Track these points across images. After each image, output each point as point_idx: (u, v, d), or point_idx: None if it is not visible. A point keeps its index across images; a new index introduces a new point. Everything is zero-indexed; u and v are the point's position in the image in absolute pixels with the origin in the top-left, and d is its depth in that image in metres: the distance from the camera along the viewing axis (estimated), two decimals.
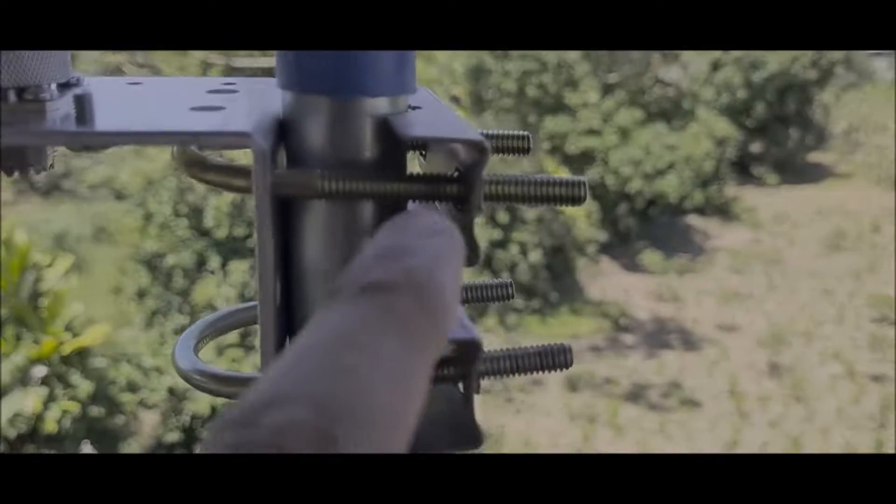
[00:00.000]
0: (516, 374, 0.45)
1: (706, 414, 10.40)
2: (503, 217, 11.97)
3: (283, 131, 0.43)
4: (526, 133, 0.50)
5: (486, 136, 0.49)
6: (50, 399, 8.12)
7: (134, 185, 10.34)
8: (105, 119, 0.40)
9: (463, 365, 0.43)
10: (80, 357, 8.56)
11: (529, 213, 12.10)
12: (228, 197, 9.72)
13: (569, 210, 12.53)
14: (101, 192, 15.37)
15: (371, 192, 0.41)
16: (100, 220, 14.28)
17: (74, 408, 8.20)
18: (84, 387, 8.34)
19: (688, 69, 15.67)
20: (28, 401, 7.81)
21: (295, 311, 0.45)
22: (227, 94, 0.47)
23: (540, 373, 0.45)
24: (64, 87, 0.43)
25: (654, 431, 9.80)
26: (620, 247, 13.96)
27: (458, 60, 15.99)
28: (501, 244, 11.79)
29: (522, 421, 10.23)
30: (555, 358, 0.45)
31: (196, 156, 0.45)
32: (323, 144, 0.42)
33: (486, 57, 14.36)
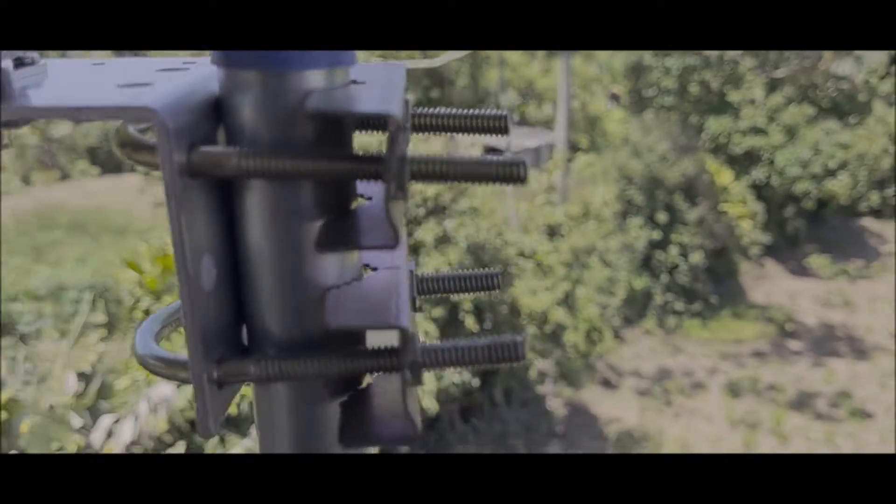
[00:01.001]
0: (463, 367, 0.44)
1: (877, 426, 9.88)
2: (663, 218, 11.75)
3: (220, 110, 0.42)
4: (503, 113, 0.48)
5: (460, 115, 0.48)
6: None
7: None
8: (34, 95, 0.40)
9: (398, 354, 0.44)
10: None
11: (690, 213, 11.82)
12: None
13: (732, 211, 12.15)
14: None
15: (294, 170, 0.41)
16: None
17: (251, 392, 8.68)
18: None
19: (863, 62, 14.84)
20: None
21: (244, 295, 0.45)
22: (175, 71, 0.46)
23: (490, 366, 0.44)
24: (20, 64, 0.42)
25: (820, 441, 9.41)
26: (787, 250, 13.42)
27: (617, 58, 15.77)
28: (661, 245, 11.58)
29: (681, 425, 10.03)
30: (505, 351, 0.43)
31: (129, 136, 0.44)
32: (256, 122, 0.42)
33: (645, 53, 14.11)
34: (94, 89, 0.41)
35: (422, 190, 9.87)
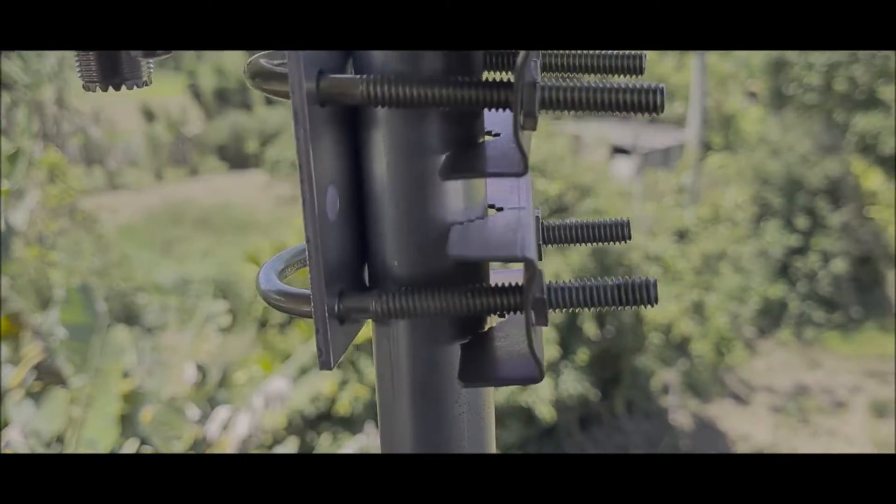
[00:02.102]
0: (591, 307, 0.43)
1: None
2: (802, 222, 11.05)
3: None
4: (638, 53, 0.47)
5: (592, 55, 0.47)
6: (343, 382, 8.61)
7: None
8: None
9: (523, 291, 0.42)
10: (369, 343, 9.00)
11: (833, 218, 11.08)
12: None
13: (880, 216, 11.32)
14: None
15: (421, 97, 0.40)
16: None
17: (364, 392, 8.64)
18: (373, 374, 8.77)
19: None
20: (325, 383, 8.32)
21: (367, 230, 0.45)
22: None
23: (619, 308, 0.43)
24: None
25: None
26: None
27: (756, 55, 15.14)
28: (800, 251, 10.88)
29: (819, 446, 9.38)
30: (636, 292, 0.42)
31: (261, 66, 0.44)
32: (384, 51, 0.41)
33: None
34: None
35: (544, 190, 9.61)
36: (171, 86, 19.35)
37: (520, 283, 0.43)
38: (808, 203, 11.22)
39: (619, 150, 14.67)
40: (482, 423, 0.49)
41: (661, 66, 19.50)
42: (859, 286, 11.32)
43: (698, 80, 13.33)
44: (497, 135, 0.48)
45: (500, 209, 0.49)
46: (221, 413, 6.45)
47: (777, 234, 10.87)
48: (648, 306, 0.43)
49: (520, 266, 0.43)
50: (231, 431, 6.37)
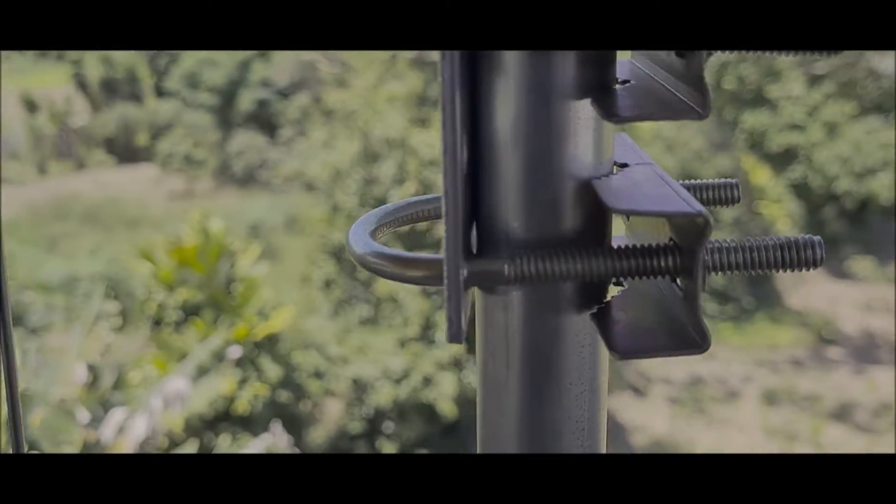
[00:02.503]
0: (752, 271, 0.40)
1: None
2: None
3: None
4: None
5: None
6: (243, 381, 8.38)
7: (323, 177, 10.55)
8: None
9: (687, 253, 0.39)
10: (270, 342, 8.79)
11: (725, 213, 11.44)
12: (413, 188, 9.71)
13: (769, 211, 11.75)
14: (294, 183, 15.94)
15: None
16: (291, 211, 14.80)
17: (265, 391, 8.42)
18: (274, 371, 8.56)
19: None
20: (224, 382, 8.06)
21: (483, 183, 0.42)
22: None
23: (782, 271, 0.40)
24: None
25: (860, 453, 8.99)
26: (826, 252, 12.96)
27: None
28: None
29: (714, 435, 9.66)
30: (802, 252, 0.40)
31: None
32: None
33: None
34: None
35: None
36: (55, 75, 18.51)
37: (674, 243, 0.39)
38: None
39: None
40: (599, 404, 0.46)
41: None
42: (750, 279, 11.73)
43: None
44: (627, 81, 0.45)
45: (624, 165, 0.46)
46: (116, 415, 6.17)
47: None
48: (812, 268, 0.40)
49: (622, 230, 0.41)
50: (127, 434, 6.09)
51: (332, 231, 10.53)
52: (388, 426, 9.22)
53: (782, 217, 11.61)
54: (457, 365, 9.16)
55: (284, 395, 8.73)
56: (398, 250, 0.44)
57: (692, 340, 0.39)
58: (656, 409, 10.33)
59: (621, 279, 0.43)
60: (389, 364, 9.15)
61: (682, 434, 9.71)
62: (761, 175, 12.34)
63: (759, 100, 13.43)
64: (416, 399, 8.99)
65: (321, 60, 14.95)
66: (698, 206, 0.37)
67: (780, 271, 0.40)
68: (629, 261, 0.40)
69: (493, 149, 0.41)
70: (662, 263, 0.40)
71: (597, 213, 0.42)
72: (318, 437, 9.28)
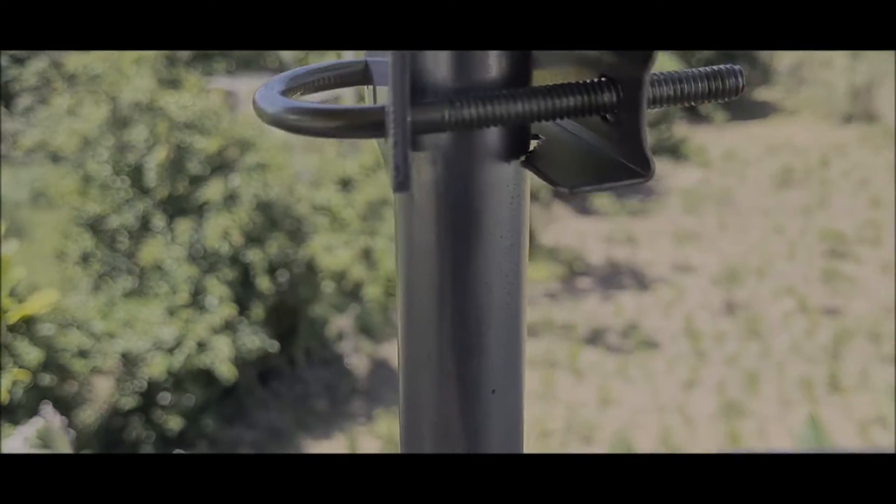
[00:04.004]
0: (682, 103, 0.41)
1: (664, 354, 10.48)
2: None
3: None
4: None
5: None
6: None
7: (70, 147, 9.95)
8: None
9: (629, 85, 0.39)
10: (27, 325, 8.29)
11: None
12: (166, 153, 9.43)
13: None
14: (37, 155, 14.86)
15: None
16: (37, 185, 13.82)
17: (25, 376, 7.95)
18: (33, 355, 8.09)
19: None
20: None
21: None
22: None
23: (708, 101, 0.41)
24: None
25: (613, 374, 9.86)
26: (577, 195, 13.94)
27: None
28: None
29: None
30: (727, 81, 0.40)
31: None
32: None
33: None
34: None
35: (203, 148, 9.36)
36: None
37: (609, 78, 0.39)
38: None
39: None
40: (524, 258, 0.45)
41: None
42: None
43: None
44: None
45: None
46: None
47: None
48: (734, 96, 0.40)
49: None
50: None
51: (86, 202, 9.99)
52: (165, 397, 9.01)
53: None
54: (230, 328, 9.08)
55: (48, 379, 8.29)
56: (318, 103, 0.42)
57: (636, 171, 0.39)
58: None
59: (552, 122, 0.43)
60: (160, 334, 8.91)
61: None
62: None
63: None
64: (192, 366, 8.84)
65: None
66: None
67: (707, 101, 0.41)
68: (571, 98, 0.40)
69: None
70: (605, 98, 0.40)
71: (523, 56, 0.41)
72: (89, 417, 8.91)
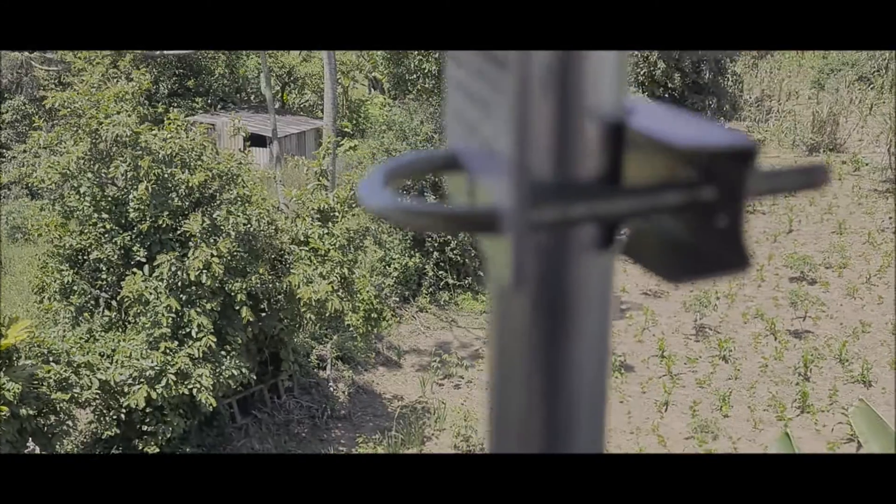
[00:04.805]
0: (773, 196, 0.41)
1: (638, 378, 10.70)
2: (430, 196, 12.02)
3: None
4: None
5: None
6: None
7: (50, 181, 10.02)
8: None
9: (728, 181, 0.39)
10: (5, 359, 8.35)
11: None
12: (146, 185, 9.52)
13: None
14: (14, 189, 14.88)
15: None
16: (15, 219, 13.84)
17: (3, 410, 8.00)
18: (12, 389, 8.13)
19: None
20: None
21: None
22: None
23: (796, 193, 0.43)
24: None
25: None
26: None
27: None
28: None
29: (461, 395, 10.38)
30: (814, 176, 0.42)
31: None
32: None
33: None
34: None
35: (187, 180, 9.48)
36: None
37: (708, 172, 0.40)
38: (434, 179, 12.24)
39: (255, 138, 14.82)
40: (609, 340, 0.46)
41: (288, 56, 19.82)
42: (482, 250, 12.60)
43: (328, 71, 13.83)
44: None
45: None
46: None
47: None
48: (820, 189, 0.42)
49: None
50: None
51: (66, 236, 10.06)
52: (146, 426, 9.05)
53: None
54: (210, 357, 9.15)
55: (27, 411, 8.31)
56: (422, 202, 0.43)
57: (732, 262, 0.40)
58: (408, 377, 10.89)
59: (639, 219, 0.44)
60: (141, 365, 8.96)
61: (433, 398, 10.32)
62: None
63: None
64: (173, 395, 8.89)
65: (36, 60, 14.10)
66: (742, 136, 0.39)
67: (794, 194, 0.44)
68: (672, 195, 0.40)
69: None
70: (705, 196, 0.39)
71: (618, 153, 0.42)
72: (72, 448, 8.93)
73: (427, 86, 14.42)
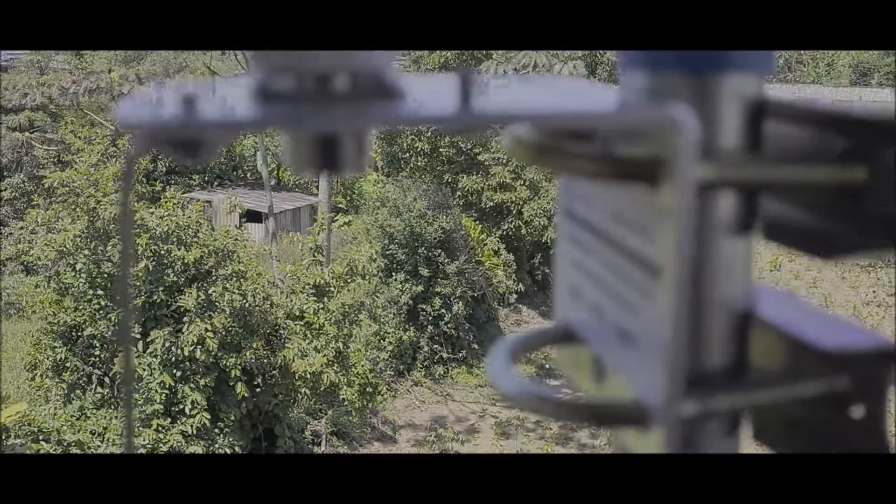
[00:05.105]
0: None
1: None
2: (425, 272, 12.13)
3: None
4: None
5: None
6: None
7: (46, 259, 10.07)
8: (481, 101, 0.35)
9: (868, 374, 0.38)
10: None
11: (450, 266, 12.29)
12: (145, 263, 9.57)
13: (488, 262, 12.77)
14: (10, 266, 14.91)
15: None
16: (9, 296, 13.82)
17: None
18: None
19: None
20: None
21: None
22: (556, 86, 0.42)
23: None
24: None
25: None
26: (539, 294, 14.29)
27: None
28: (425, 298, 11.92)
29: None
30: None
31: (552, 143, 0.40)
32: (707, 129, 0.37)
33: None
34: (545, 99, 0.38)
35: (182, 256, 9.55)
36: None
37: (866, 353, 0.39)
38: (428, 255, 12.37)
39: (251, 214, 14.96)
40: None
41: (284, 136, 19.99)
42: (477, 324, 12.65)
43: None
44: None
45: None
46: None
47: (405, 284, 11.83)
48: None
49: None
50: None
51: (60, 313, 10.07)
52: None
53: (499, 266, 12.66)
54: (203, 434, 9.09)
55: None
56: (558, 392, 0.42)
57: (873, 450, 0.38)
58: (404, 452, 10.80)
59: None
60: (133, 442, 8.89)
61: None
62: (477, 231, 13.41)
63: (472, 164, 14.56)
64: None
65: (36, 140, 14.32)
66: (877, 337, 0.38)
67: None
68: (810, 386, 0.39)
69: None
70: (841, 384, 0.38)
71: (742, 345, 0.41)
72: None
73: (420, 164, 14.66)
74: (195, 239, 9.83)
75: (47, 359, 10.02)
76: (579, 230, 0.45)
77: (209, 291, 9.53)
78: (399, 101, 0.36)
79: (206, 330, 9.15)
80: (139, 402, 9.05)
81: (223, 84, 0.39)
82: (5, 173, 14.60)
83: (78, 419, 9.42)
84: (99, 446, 8.88)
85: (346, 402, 9.90)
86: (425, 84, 0.38)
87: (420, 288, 11.88)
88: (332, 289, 10.47)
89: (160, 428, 8.90)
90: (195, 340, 9.14)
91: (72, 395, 9.85)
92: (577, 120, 0.37)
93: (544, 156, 0.40)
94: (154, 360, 9.31)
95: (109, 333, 9.85)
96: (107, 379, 9.85)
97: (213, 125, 0.34)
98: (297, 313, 10.17)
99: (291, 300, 10.29)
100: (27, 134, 13.86)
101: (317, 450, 10.42)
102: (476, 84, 0.35)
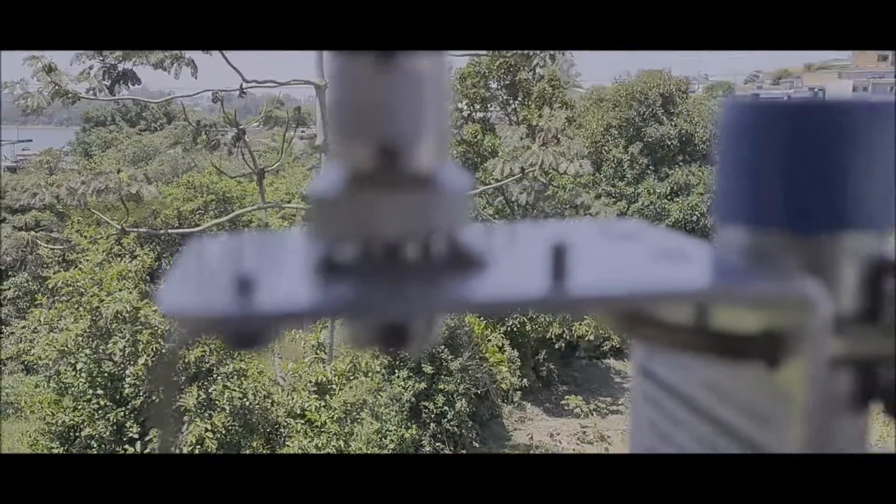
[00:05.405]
0: None
1: None
2: (428, 368, 12.07)
3: None
4: None
5: None
6: None
7: (47, 358, 10.07)
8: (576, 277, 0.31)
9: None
10: None
11: (454, 363, 12.23)
12: (145, 359, 9.54)
13: (491, 358, 12.72)
14: (10, 365, 14.84)
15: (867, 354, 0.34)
16: (8, 395, 13.72)
17: None
18: None
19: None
20: None
21: None
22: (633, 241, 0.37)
23: None
24: None
25: None
26: (543, 391, 14.16)
27: None
28: (427, 395, 11.84)
29: None
30: None
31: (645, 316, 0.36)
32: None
33: None
34: (644, 267, 0.34)
35: (184, 355, 9.52)
36: None
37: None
38: (431, 351, 12.31)
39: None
40: None
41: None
42: (480, 421, 12.49)
43: None
44: None
45: None
46: None
47: (407, 381, 11.75)
48: None
49: None
50: None
51: (59, 412, 10.00)
52: None
53: (503, 362, 12.59)
54: None
55: None
56: None
57: None
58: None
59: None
60: None
61: None
62: (482, 326, 13.40)
63: None
64: None
65: (41, 239, 14.45)
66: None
67: None
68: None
69: None
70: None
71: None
72: None
73: None
74: (198, 336, 9.83)
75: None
76: (658, 391, 0.41)
77: (209, 390, 9.47)
78: (480, 273, 0.32)
79: (206, 430, 9.07)
80: None
81: (278, 250, 0.36)
82: (9, 272, 14.68)
83: None
84: None
85: None
86: (508, 249, 0.35)
87: (423, 385, 11.79)
88: (334, 386, 10.40)
89: None
90: (194, 440, 9.04)
91: None
92: (693, 297, 0.33)
93: (637, 326, 0.36)
94: None
95: (108, 433, 9.75)
96: None
97: (274, 318, 0.30)
98: (299, 411, 10.08)
99: (293, 398, 10.21)
100: (32, 233, 14.00)
101: None
102: (569, 257, 0.31)
